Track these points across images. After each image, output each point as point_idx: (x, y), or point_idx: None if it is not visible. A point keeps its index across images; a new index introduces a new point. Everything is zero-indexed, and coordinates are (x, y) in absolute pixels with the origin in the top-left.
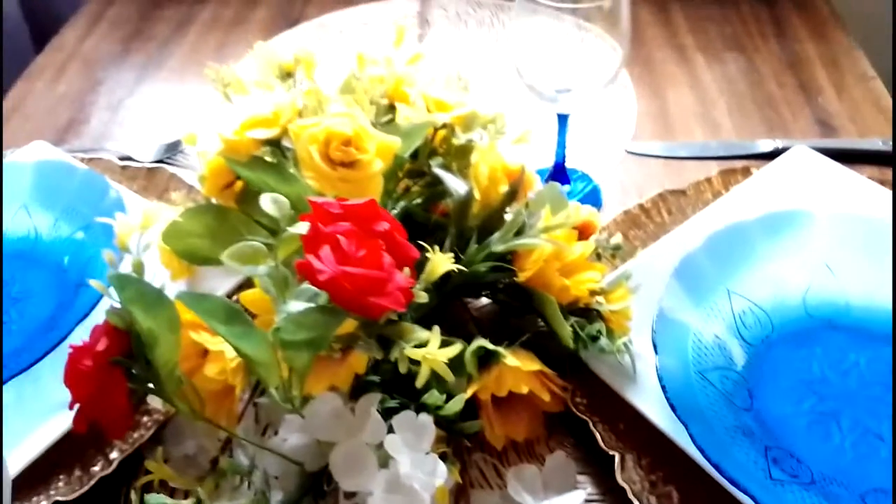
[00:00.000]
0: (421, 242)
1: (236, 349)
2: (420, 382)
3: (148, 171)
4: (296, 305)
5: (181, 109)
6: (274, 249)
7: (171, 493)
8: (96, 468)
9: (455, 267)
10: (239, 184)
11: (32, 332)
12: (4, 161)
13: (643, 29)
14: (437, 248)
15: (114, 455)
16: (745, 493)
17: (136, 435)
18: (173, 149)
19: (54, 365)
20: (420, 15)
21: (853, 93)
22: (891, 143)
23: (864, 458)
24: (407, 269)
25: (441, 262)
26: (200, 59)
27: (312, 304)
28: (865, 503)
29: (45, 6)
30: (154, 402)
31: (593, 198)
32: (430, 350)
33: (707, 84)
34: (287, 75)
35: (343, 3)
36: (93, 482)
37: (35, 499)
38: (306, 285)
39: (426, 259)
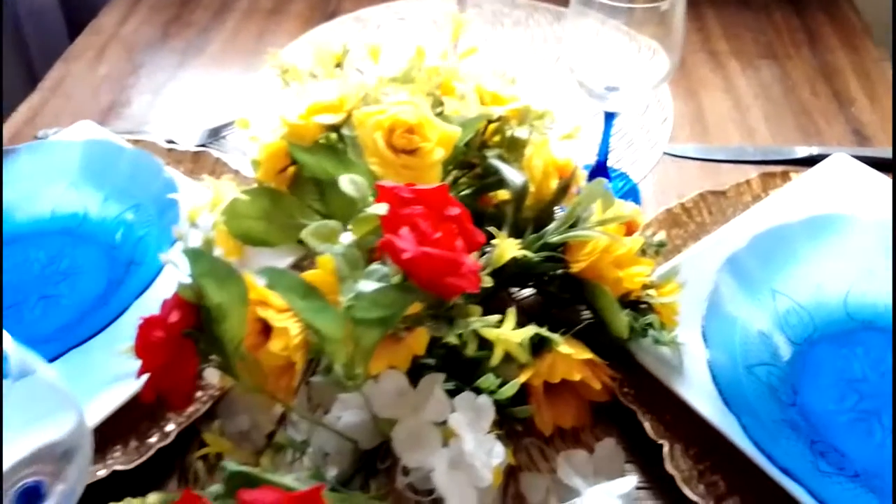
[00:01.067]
0: (491, 228)
1: (309, 324)
2: (495, 361)
3: (193, 155)
4: (367, 285)
5: (222, 95)
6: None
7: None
8: (153, 440)
9: (521, 252)
10: (291, 169)
11: (84, 308)
12: (51, 138)
13: None
14: (504, 234)
15: (169, 428)
16: (798, 482)
17: (191, 409)
18: (216, 134)
19: (107, 340)
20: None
21: (885, 103)
22: None
23: None
24: (475, 254)
25: (509, 247)
26: (240, 47)
27: (383, 284)
28: None
29: None
30: (210, 377)
31: (632, 197)
32: (504, 331)
33: (742, 89)
34: (336, 66)
35: None
36: (151, 452)
37: (92, 468)
38: (376, 266)
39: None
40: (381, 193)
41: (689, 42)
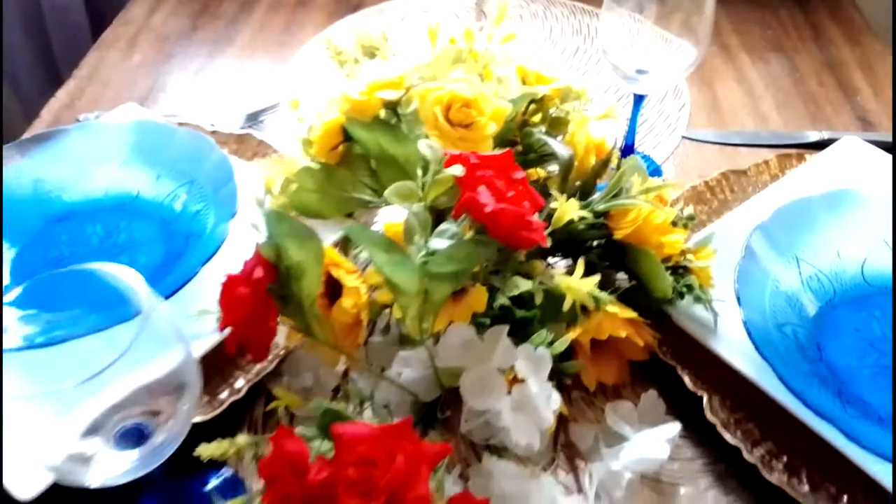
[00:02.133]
0: (553, 192)
1: (388, 278)
2: (566, 308)
3: (237, 137)
4: (438, 243)
5: (254, 83)
6: (424, 191)
7: (291, 419)
8: (224, 395)
9: (579, 214)
10: (342, 146)
11: (146, 278)
12: (96, 120)
13: None
14: (563, 197)
15: (239, 384)
16: (830, 421)
17: (259, 367)
18: (254, 118)
19: (173, 306)
20: (477, 7)
21: (888, 94)
22: None
23: None
24: (536, 215)
25: (570, 208)
26: (268, 38)
27: (454, 242)
28: None
29: None
30: (277, 337)
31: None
32: (574, 280)
33: (753, 80)
34: (372, 53)
35: None
36: (224, 406)
37: None
38: (446, 225)
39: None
40: (450, 160)
41: None
